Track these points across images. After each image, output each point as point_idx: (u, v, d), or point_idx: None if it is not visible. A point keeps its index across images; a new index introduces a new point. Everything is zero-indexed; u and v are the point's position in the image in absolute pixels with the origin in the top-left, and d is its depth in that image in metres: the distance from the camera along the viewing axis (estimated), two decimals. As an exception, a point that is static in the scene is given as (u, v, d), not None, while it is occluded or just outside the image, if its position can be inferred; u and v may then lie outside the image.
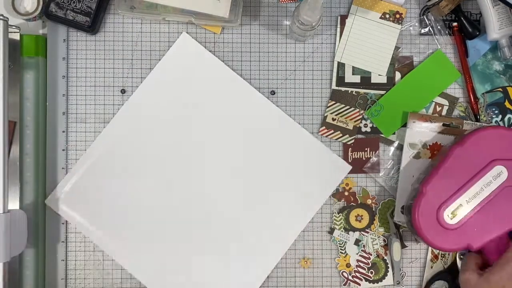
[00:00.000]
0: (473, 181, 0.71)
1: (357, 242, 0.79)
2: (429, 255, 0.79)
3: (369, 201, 0.79)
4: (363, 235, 0.79)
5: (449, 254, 0.79)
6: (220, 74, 0.79)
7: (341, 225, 0.79)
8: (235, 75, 0.79)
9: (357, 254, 0.79)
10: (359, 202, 0.79)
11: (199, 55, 0.79)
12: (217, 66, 0.78)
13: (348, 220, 0.79)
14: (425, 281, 0.79)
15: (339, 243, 0.79)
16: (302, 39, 0.78)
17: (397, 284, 0.79)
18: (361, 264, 0.79)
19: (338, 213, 0.79)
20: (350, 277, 0.79)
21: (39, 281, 0.76)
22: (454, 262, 0.79)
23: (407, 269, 0.79)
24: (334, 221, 0.79)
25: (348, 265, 0.79)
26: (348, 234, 0.79)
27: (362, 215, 0.79)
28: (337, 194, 0.79)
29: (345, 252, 0.79)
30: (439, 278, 0.78)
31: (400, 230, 0.79)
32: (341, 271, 0.79)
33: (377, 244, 0.79)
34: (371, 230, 0.79)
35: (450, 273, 0.78)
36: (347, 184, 0.79)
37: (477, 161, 0.72)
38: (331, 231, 0.79)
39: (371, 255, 0.79)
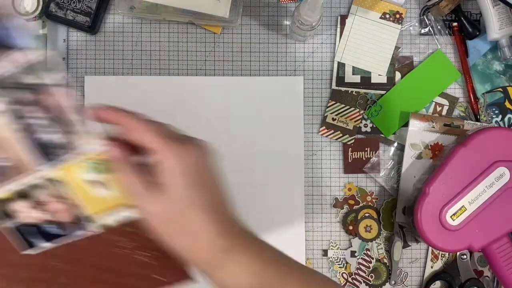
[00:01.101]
0: (476, 182, 0.71)
1: (353, 254, 0.79)
2: (429, 255, 0.78)
3: (369, 198, 0.79)
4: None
5: (449, 254, 0.79)
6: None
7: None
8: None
9: (358, 257, 0.78)
10: (360, 204, 0.79)
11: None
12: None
13: (358, 229, 0.78)
14: (425, 281, 0.79)
15: (336, 261, 0.78)
16: (302, 39, 0.78)
17: (393, 284, 0.78)
18: (362, 267, 0.78)
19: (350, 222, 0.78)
20: (349, 279, 0.78)
21: (38, 281, 0.76)
22: (454, 262, 0.78)
23: (407, 269, 0.79)
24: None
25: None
26: (344, 251, 0.78)
27: (371, 225, 0.78)
28: (337, 203, 0.79)
29: (344, 265, 0.79)
30: (439, 278, 0.78)
31: (404, 230, 0.78)
32: (341, 273, 0.78)
33: (382, 249, 0.79)
34: (378, 239, 0.79)
35: (450, 273, 0.78)
36: (349, 189, 0.79)
37: (480, 162, 0.71)
38: (325, 253, 0.78)
39: (373, 259, 0.78)
